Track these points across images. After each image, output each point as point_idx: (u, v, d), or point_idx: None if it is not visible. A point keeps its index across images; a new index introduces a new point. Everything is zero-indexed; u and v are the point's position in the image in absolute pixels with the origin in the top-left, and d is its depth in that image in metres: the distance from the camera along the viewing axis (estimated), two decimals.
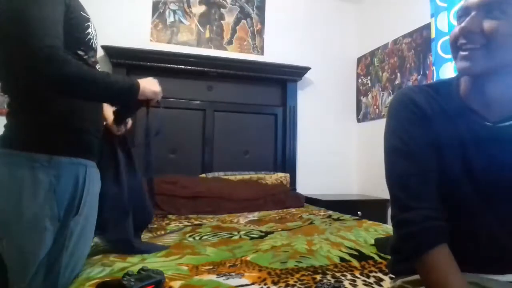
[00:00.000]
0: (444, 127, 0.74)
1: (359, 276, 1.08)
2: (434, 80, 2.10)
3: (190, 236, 1.55)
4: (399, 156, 0.75)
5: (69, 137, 1.00)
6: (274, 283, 1.00)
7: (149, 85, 1.10)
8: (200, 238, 1.53)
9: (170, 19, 2.74)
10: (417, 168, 0.72)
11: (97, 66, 1.15)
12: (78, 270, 1.05)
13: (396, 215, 0.73)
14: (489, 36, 0.67)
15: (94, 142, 1.09)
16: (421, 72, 2.42)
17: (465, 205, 0.73)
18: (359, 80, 3.19)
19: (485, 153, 0.72)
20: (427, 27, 2.33)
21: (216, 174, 2.61)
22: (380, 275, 1.09)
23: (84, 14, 1.03)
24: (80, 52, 1.01)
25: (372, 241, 1.44)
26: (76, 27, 0.98)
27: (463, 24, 0.70)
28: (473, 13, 0.69)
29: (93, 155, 1.09)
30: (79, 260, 1.05)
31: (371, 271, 1.12)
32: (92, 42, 1.05)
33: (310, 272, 1.09)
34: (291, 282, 1.01)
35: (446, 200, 0.72)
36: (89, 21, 1.04)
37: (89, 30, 1.03)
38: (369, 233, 1.60)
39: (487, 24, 0.67)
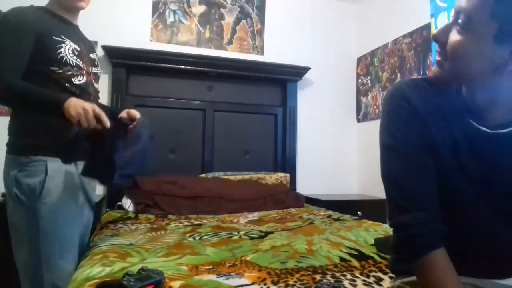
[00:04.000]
0: (437, 126, 0.71)
1: (359, 276, 1.08)
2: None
3: (190, 236, 1.55)
4: (392, 154, 0.73)
5: (29, 141, 1.25)
6: (274, 283, 1.00)
7: (75, 104, 1.17)
8: (200, 238, 1.53)
9: (170, 19, 2.74)
10: (410, 167, 0.70)
11: (83, 78, 1.34)
12: (68, 251, 1.28)
13: (392, 216, 0.72)
14: (450, 50, 0.66)
15: (57, 142, 1.28)
16: (421, 72, 2.42)
17: (464, 207, 0.72)
18: (359, 80, 3.19)
19: (480, 157, 0.69)
20: (427, 27, 2.33)
21: (216, 174, 2.60)
22: (380, 274, 1.09)
23: (56, 38, 1.27)
24: (53, 68, 1.26)
25: (372, 241, 1.43)
26: (47, 48, 1.24)
27: (435, 31, 0.70)
28: (449, 21, 0.68)
29: (57, 153, 1.28)
30: (64, 239, 1.27)
31: (371, 271, 1.12)
32: (66, 59, 1.28)
33: (310, 272, 1.09)
34: (291, 282, 1.01)
35: (444, 200, 0.70)
36: (63, 43, 1.28)
37: (61, 50, 1.27)
38: (369, 233, 1.60)
39: (452, 37, 0.66)
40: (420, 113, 0.71)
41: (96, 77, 1.45)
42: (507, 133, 0.68)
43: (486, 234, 0.72)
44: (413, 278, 0.75)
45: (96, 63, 1.46)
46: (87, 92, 1.36)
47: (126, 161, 1.27)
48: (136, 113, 1.41)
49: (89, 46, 1.46)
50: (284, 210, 2.34)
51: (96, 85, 1.45)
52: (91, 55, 1.44)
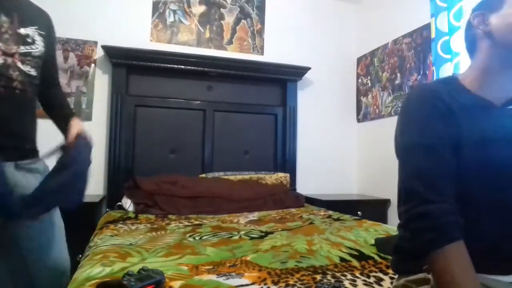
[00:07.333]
0: (466, 120, 0.74)
1: (359, 276, 1.08)
2: (434, 80, 2.10)
3: (190, 236, 1.55)
4: (420, 151, 0.74)
5: None
6: (274, 283, 1.00)
7: None
8: (200, 238, 1.53)
9: (170, 19, 2.74)
10: (438, 162, 0.72)
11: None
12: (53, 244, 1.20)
13: (412, 208, 0.71)
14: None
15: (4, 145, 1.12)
16: (421, 72, 2.42)
17: (478, 203, 0.73)
18: (359, 80, 3.19)
19: (509, 141, 0.73)
20: (427, 27, 2.33)
21: (216, 174, 2.60)
22: (380, 274, 1.09)
23: None
24: None
25: (372, 241, 1.44)
26: None
27: None
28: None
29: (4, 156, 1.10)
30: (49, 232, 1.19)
31: (371, 271, 1.13)
32: None
33: (310, 272, 1.09)
34: (291, 282, 1.01)
35: (460, 196, 0.71)
36: None
37: None
38: (369, 233, 1.60)
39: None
40: (451, 109, 0.75)
41: (26, 58, 1.15)
42: None
43: (496, 232, 0.73)
44: (418, 276, 0.75)
45: (29, 40, 1.16)
46: (4, 76, 1.10)
47: (46, 192, 1.10)
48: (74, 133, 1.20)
49: (25, 18, 1.16)
50: (284, 210, 2.34)
51: (26, 68, 1.15)
52: (21, 30, 1.14)
